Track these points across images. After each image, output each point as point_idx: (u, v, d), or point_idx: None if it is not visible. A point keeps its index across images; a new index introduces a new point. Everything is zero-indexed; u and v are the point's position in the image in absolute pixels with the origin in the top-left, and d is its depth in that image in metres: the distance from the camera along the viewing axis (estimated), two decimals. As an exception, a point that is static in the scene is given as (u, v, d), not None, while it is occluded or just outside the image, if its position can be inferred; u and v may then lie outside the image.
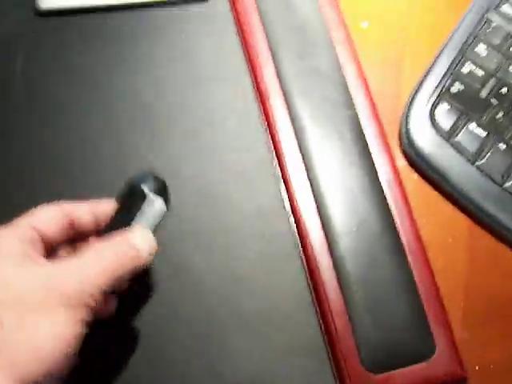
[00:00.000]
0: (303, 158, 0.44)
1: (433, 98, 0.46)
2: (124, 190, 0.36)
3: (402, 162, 0.46)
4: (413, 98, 0.47)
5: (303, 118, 0.45)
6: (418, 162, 0.46)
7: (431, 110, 0.46)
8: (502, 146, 0.45)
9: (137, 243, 0.34)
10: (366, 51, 0.49)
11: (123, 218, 0.35)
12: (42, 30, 0.51)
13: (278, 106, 0.45)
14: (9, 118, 0.46)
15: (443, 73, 0.47)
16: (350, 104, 0.45)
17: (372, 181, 0.44)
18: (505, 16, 0.49)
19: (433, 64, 0.48)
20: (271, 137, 0.45)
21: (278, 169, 0.44)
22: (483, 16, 0.49)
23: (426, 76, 0.48)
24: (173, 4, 0.50)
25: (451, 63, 0.48)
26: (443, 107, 0.46)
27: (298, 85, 0.46)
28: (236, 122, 0.46)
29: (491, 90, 0.47)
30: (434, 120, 0.46)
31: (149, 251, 0.34)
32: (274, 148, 0.45)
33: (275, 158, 0.44)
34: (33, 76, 0.48)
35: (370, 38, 0.50)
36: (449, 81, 0.47)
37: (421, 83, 0.47)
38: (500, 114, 0.46)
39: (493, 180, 0.44)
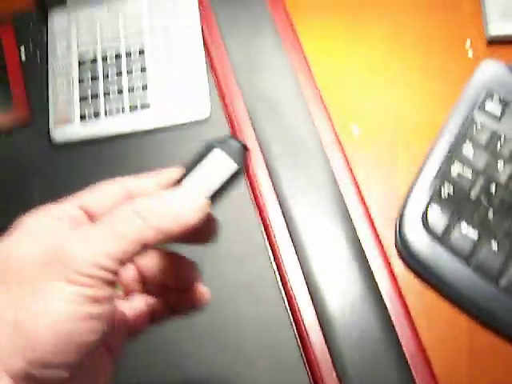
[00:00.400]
0: (301, 267, 0.47)
1: (424, 201, 0.49)
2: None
3: (398, 264, 0.48)
4: (405, 202, 0.50)
5: (300, 225, 0.48)
6: (413, 264, 0.48)
7: (423, 213, 0.49)
8: (495, 244, 0.47)
9: (164, 206, 0.29)
10: (358, 156, 0.52)
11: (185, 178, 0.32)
12: (57, 161, 0.56)
13: (275, 213, 0.49)
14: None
15: (433, 175, 0.50)
16: (345, 214, 0.48)
17: (369, 285, 0.47)
18: (489, 114, 0.52)
19: (423, 167, 0.51)
20: (271, 247, 0.48)
21: (280, 281, 0.47)
22: (469, 115, 0.52)
23: (416, 179, 0.51)
24: (178, 128, 0.54)
25: (441, 165, 0.50)
26: (435, 210, 0.49)
27: (291, 192, 0.49)
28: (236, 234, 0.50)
29: (480, 190, 0.49)
30: (427, 223, 0.48)
31: (190, 213, 0.29)
32: (275, 261, 0.48)
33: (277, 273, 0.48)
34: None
35: (362, 142, 0.53)
36: (439, 183, 0.50)
37: (412, 187, 0.50)
38: (490, 213, 0.48)
39: (488, 279, 0.46)
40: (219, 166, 0.31)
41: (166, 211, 0.29)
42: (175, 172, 0.32)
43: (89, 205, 0.31)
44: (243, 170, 0.32)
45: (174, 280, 0.35)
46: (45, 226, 0.28)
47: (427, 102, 0.55)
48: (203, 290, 0.35)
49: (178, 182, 0.31)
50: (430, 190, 0.49)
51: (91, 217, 0.31)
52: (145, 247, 0.28)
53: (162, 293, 0.36)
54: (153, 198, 0.29)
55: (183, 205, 0.29)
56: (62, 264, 0.26)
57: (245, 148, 0.32)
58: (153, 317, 0.36)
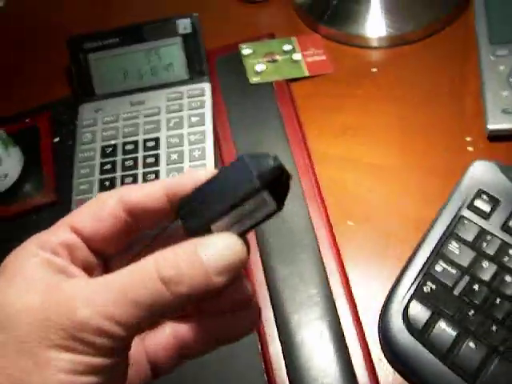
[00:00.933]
0: (285, 360, 0.51)
1: (407, 297, 0.52)
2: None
3: (381, 357, 0.51)
4: (389, 296, 0.53)
5: (287, 317, 0.52)
6: (394, 358, 0.51)
7: (405, 308, 0.51)
8: (473, 343, 0.49)
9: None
10: (351, 249, 0.56)
11: (204, 204, 0.27)
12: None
13: (265, 310, 0.53)
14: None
15: (417, 272, 0.53)
16: (332, 308, 0.52)
17: (349, 378, 0.50)
18: (478, 212, 0.54)
19: (408, 263, 0.54)
20: (259, 337, 0.52)
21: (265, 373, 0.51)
22: (458, 212, 0.55)
23: (402, 273, 0.53)
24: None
25: (425, 262, 0.53)
26: (416, 306, 0.51)
27: (283, 291, 0.53)
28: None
29: (464, 287, 0.51)
30: (408, 319, 0.51)
31: (222, 273, 0.25)
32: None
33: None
34: None
35: (355, 236, 0.57)
36: (423, 278, 0.52)
37: (397, 281, 0.53)
38: (471, 312, 0.50)
39: (465, 378, 0.48)
40: (258, 206, 0.27)
41: (196, 274, 0.25)
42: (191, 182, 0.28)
43: (81, 226, 0.28)
44: (275, 193, 0.27)
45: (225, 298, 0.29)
46: (41, 267, 0.26)
47: (423, 197, 0.58)
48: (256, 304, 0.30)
49: (211, 221, 0.27)
50: (414, 285, 0.52)
51: (86, 239, 0.28)
52: (165, 315, 0.25)
53: (200, 316, 0.29)
54: (183, 256, 0.25)
55: (215, 262, 0.25)
56: (62, 327, 0.23)
57: (279, 173, 0.27)
58: (184, 352, 0.29)
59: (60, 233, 0.28)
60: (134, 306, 0.24)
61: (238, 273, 0.26)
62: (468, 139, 0.60)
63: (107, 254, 0.29)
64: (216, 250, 0.26)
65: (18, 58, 0.79)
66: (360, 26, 0.68)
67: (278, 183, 0.27)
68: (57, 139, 0.69)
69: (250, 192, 0.26)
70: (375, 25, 0.68)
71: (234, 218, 0.27)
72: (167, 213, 0.29)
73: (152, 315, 0.24)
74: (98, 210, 0.28)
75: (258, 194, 0.26)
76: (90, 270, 0.29)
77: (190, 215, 0.28)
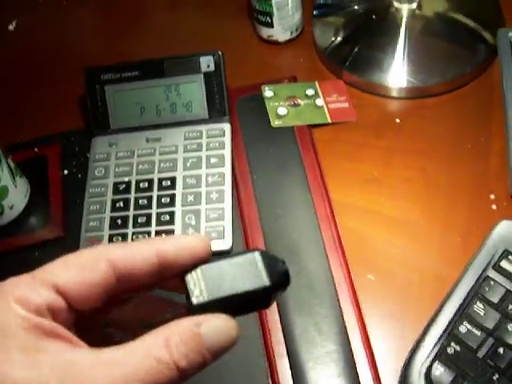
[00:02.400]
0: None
1: (429, 359, 0.53)
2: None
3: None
4: (410, 357, 0.54)
5: (304, 368, 0.53)
6: (415, 422, 0.51)
7: (427, 371, 0.52)
8: (498, 409, 0.50)
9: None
10: (371, 304, 0.57)
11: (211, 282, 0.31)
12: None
13: (281, 363, 0.54)
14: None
15: (441, 332, 0.54)
16: (351, 364, 0.53)
17: None
18: (504, 273, 0.56)
19: (431, 322, 0.55)
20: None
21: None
22: (483, 273, 0.56)
23: (424, 334, 0.55)
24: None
25: (449, 322, 0.54)
26: (439, 368, 0.52)
27: (301, 344, 0.54)
28: (241, 374, 0.54)
29: (488, 351, 0.52)
30: (430, 381, 0.52)
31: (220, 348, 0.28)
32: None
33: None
34: None
35: (376, 291, 0.58)
36: (446, 340, 0.53)
37: (419, 341, 0.54)
38: (496, 376, 0.51)
39: None
40: (251, 274, 0.31)
41: (196, 354, 0.27)
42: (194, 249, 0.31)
43: (69, 289, 0.28)
44: (273, 293, 0.31)
45: None
46: (32, 333, 0.26)
47: (445, 255, 0.60)
48: None
49: (216, 302, 0.30)
50: (437, 346, 0.53)
51: (70, 300, 0.28)
52: None
53: None
54: (188, 339, 0.27)
55: (213, 344, 0.28)
56: None
57: (286, 278, 0.32)
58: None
59: (43, 292, 0.27)
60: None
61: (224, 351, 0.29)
62: (492, 197, 0.62)
63: (85, 311, 0.30)
64: (216, 332, 0.28)
65: (30, 84, 0.81)
66: (383, 74, 0.71)
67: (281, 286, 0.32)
68: (66, 171, 0.70)
69: (258, 289, 0.31)
70: (398, 75, 0.70)
71: (235, 304, 0.31)
72: (154, 278, 0.30)
73: None
74: (90, 275, 0.28)
75: (265, 292, 0.31)
76: (67, 327, 0.28)
77: (195, 291, 0.31)
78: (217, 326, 0.29)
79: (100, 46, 0.84)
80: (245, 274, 0.31)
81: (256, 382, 0.55)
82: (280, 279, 0.32)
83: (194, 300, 0.30)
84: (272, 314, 0.57)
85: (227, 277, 0.31)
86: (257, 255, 0.32)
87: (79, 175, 0.70)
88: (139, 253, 0.30)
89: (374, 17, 0.74)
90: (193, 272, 0.31)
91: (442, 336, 0.54)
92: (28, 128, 0.74)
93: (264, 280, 0.31)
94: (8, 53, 0.86)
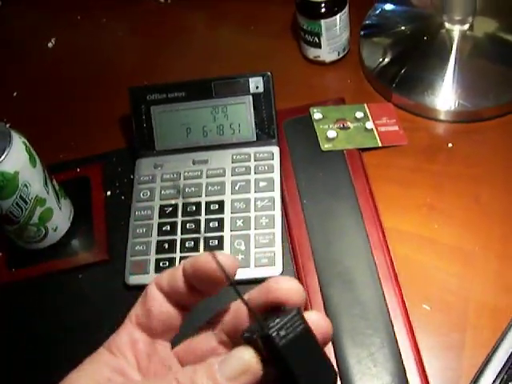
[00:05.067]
0: None
1: (490, 394, 0.54)
2: None
3: None
4: (469, 392, 0.55)
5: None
6: None
7: (488, 405, 0.54)
8: None
9: None
10: (427, 334, 0.58)
11: None
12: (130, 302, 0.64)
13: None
14: None
15: (501, 365, 0.55)
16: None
17: None
18: None
19: (490, 355, 0.56)
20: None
21: None
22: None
23: (482, 368, 0.56)
24: (247, 283, 0.62)
25: (510, 356, 0.55)
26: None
27: (355, 376, 0.56)
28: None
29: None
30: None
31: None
32: None
33: None
34: None
35: (431, 321, 0.60)
36: (506, 375, 0.55)
37: (478, 375, 0.55)
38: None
39: None
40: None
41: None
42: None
43: (123, 351, 0.35)
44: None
45: None
46: None
47: (502, 284, 0.61)
48: None
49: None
50: (497, 381, 0.54)
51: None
52: None
53: None
54: (201, 370, 0.31)
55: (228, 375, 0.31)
56: None
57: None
58: None
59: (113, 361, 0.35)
60: None
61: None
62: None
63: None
64: (232, 369, 0.31)
65: (69, 102, 0.83)
66: (433, 97, 0.73)
67: None
68: (109, 192, 0.72)
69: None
70: (449, 97, 0.72)
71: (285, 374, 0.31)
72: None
73: None
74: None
75: None
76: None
77: (281, 333, 0.31)
78: (233, 364, 0.31)
79: (139, 63, 0.86)
80: (313, 375, 0.32)
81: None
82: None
83: (274, 333, 0.31)
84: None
85: (305, 359, 0.31)
86: (333, 375, 0.33)
87: (122, 196, 0.72)
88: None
89: (425, 38, 0.76)
90: (298, 319, 0.32)
91: (501, 371, 0.55)
92: (69, 148, 0.77)
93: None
94: (47, 70, 0.89)
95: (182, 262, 0.35)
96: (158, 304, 0.35)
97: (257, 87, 0.70)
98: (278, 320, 0.31)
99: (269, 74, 0.70)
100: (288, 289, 0.33)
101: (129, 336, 0.35)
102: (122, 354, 0.35)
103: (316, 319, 0.33)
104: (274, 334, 0.31)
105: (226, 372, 0.30)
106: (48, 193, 0.66)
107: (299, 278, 0.62)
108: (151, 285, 0.35)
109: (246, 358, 0.31)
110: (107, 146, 0.77)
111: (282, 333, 0.31)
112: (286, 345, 0.31)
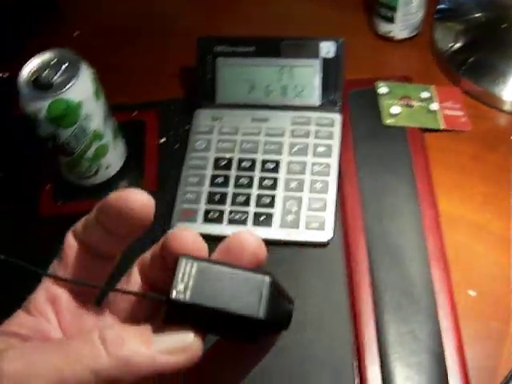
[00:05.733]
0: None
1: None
2: None
3: None
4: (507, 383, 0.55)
5: (396, 381, 0.55)
6: None
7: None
8: None
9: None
10: (469, 320, 0.58)
11: None
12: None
13: (373, 367, 0.55)
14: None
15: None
16: (442, 377, 0.54)
17: None
18: None
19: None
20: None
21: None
22: None
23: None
24: (296, 244, 0.63)
25: (553, 351, 0.55)
26: (539, 396, 0.54)
27: (394, 350, 0.56)
28: (330, 371, 0.56)
29: None
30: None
31: (171, 356, 0.28)
32: None
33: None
34: None
35: (475, 307, 0.60)
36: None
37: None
38: None
39: None
40: (250, 297, 0.28)
41: (139, 347, 0.28)
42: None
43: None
44: (264, 331, 0.29)
45: None
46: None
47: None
48: None
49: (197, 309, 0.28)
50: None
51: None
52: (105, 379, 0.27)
53: None
54: (130, 330, 0.29)
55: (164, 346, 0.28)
56: None
57: (286, 321, 0.30)
58: None
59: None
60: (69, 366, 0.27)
61: (184, 363, 0.28)
62: None
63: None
64: (170, 342, 0.28)
65: (132, 47, 0.84)
66: (502, 86, 0.72)
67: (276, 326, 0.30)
68: (163, 139, 0.72)
69: (248, 318, 0.28)
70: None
71: (214, 322, 0.29)
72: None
73: (88, 375, 0.27)
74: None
75: (254, 325, 0.28)
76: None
77: (178, 285, 0.28)
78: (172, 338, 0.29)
79: (207, 18, 0.87)
80: (243, 294, 0.28)
81: (343, 380, 0.57)
82: (278, 319, 0.29)
83: (173, 294, 0.28)
84: (367, 315, 0.58)
85: (222, 288, 0.28)
86: (267, 280, 0.29)
87: (176, 145, 0.72)
88: None
89: (502, 26, 0.76)
90: (189, 262, 0.29)
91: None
92: (128, 91, 0.77)
93: (259, 311, 0.28)
94: (112, 16, 0.89)
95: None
96: (73, 253, 0.32)
97: (328, 52, 0.70)
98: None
99: (342, 40, 0.70)
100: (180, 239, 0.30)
101: (47, 293, 0.32)
102: (40, 313, 0.32)
103: (239, 239, 0.31)
104: (173, 296, 0.28)
105: (163, 344, 0.28)
106: (106, 129, 0.66)
107: (347, 247, 0.63)
108: (68, 232, 0.33)
109: (190, 337, 0.28)
110: (165, 95, 0.77)
111: (180, 287, 0.28)
112: (193, 294, 0.28)
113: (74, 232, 0.32)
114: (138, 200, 0.30)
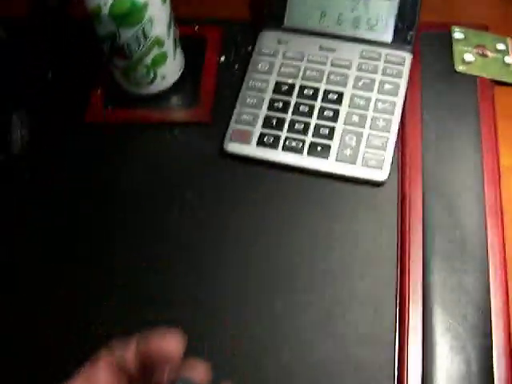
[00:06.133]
0: (423, 369, 0.52)
1: None
2: None
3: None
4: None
5: (436, 330, 0.53)
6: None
7: None
8: None
9: None
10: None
11: None
12: (220, 169, 0.64)
13: (415, 311, 0.54)
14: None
15: None
16: (486, 332, 0.53)
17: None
18: None
19: None
20: (399, 338, 0.54)
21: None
22: None
23: None
24: (349, 180, 0.61)
25: None
26: None
27: (439, 298, 0.54)
28: (371, 310, 0.55)
29: None
30: None
31: None
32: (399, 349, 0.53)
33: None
34: (198, 211, 0.61)
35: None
36: None
37: None
38: None
39: None
40: None
41: None
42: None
43: None
44: None
45: None
46: None
47: None
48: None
49: None
50: None
51: None
52: None
53: None
54: None
55: None
56: None
57: None
58: None
59: None
60: None
61: None
62: None
63: None
64: None
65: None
66: None
67: None
68: (223, 58, 0.71)
69: None
70: None
71: None
72: None
73: None
74: None
75: None
76: None
77: None
78: None
79: None
80: None
81: (383, 322, 0.55)
82: None
83: None
84: (415, 260, 0.57)
85: None
86: None
87: (236, 65, 0.71)
88: None
89: None
90: None
91: None
92: (193, 3, 0.75)
93: None
94: None
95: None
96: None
97: (406, -12, 0.67)
98: None
99: (420, -23, 0.67)
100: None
101: None
102: None
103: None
104: None
105: None
106: (168, 37, 0.64)
107: (402, 189, 0.61)
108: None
109: None
110: (231, 13, 0.75)
111: None
112: None
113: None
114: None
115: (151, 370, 0.37)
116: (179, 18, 0.70)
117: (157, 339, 0.37)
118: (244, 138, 0.64)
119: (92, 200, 0.64)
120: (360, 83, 0.65)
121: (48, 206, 0.64)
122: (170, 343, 0.37)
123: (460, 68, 0.67)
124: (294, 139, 0.63)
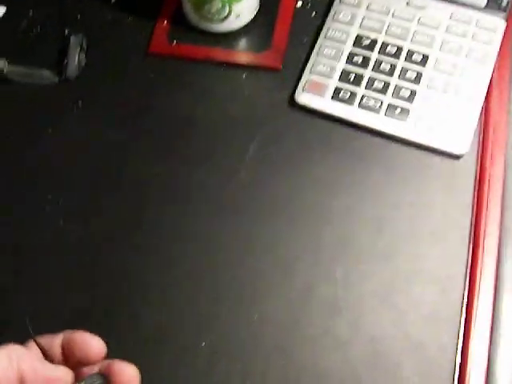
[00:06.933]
0: (489, 357, 0.50)
1: None
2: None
3: None
4: None
5: (505, 319, 0.51)
6: None
7: None
8: None
9: None
10: None
11: None
12: (287, 119, 0.61)
13: (486, 297, 0.52)
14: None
15: None
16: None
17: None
18: None
19: None
20: (465, 322, 0.51)
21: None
22: None
23: None
24: (425, 149, 0.58)
25: None
26: None
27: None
28: (437, 289, 0.53)
29: None
30: None
31: None
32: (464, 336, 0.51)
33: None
34: (261, 167, 0.59)
35: None
36: None
37: None
38: None
39: None
40: None
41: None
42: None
43: None
44: None
45: None
46: None
47: None
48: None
49: None
50: None
51: None
52: None
53: None
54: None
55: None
56: None
57: None
58: None
59: None
60: None
61: None
62: None
63: None
64: None
65: None
66: None
67: None
68: (300, 3, 0.67)
69: None
70: None
71: None
72: None
73: None
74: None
75: None
76: None
77: None
78: None
79: None
80: None
81: (450, 303, 0.53)
82: None
83: None
84: (490, 239, 0.54)
85: None
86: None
87: (314, 13, 0.67)
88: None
89: None
90: None
91: None
92: None
93: None
94: None
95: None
96: None
97: None
98: None
99: None
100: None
101: None
102: None
103: (118, 368, 0.39)
104: None
105: None
106: (247, -28, 0.61)
107: (482, 164, 0.58)
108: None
109: None
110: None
111: None
112: None
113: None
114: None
115: (73, 364, 0.40)
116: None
117: (81, 335, 0.40)
118: (318, 90, 0.60)
119: (145, 133, 0.62)
120: (447, 46, 0.62)
121: (99, 134, 0.61)
122: (92, 341, 0.40)
123: (556, 42, 0.63)
124: (372, 98, 0.60)
